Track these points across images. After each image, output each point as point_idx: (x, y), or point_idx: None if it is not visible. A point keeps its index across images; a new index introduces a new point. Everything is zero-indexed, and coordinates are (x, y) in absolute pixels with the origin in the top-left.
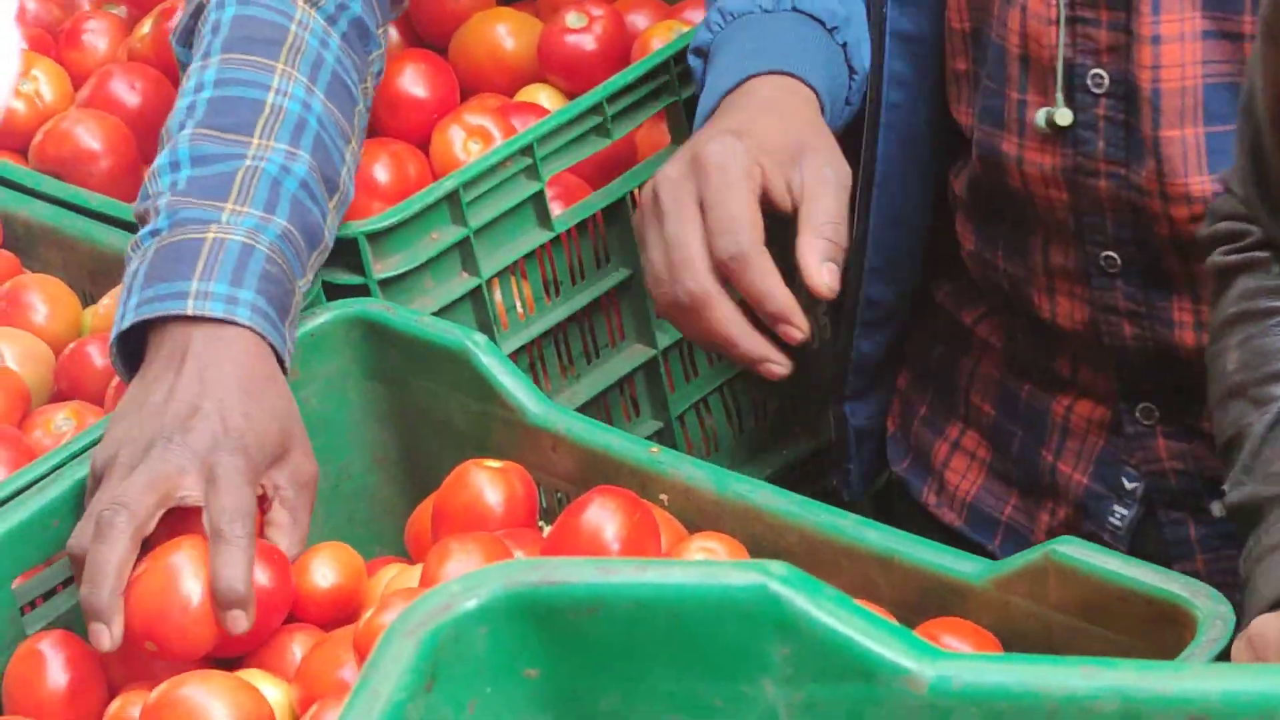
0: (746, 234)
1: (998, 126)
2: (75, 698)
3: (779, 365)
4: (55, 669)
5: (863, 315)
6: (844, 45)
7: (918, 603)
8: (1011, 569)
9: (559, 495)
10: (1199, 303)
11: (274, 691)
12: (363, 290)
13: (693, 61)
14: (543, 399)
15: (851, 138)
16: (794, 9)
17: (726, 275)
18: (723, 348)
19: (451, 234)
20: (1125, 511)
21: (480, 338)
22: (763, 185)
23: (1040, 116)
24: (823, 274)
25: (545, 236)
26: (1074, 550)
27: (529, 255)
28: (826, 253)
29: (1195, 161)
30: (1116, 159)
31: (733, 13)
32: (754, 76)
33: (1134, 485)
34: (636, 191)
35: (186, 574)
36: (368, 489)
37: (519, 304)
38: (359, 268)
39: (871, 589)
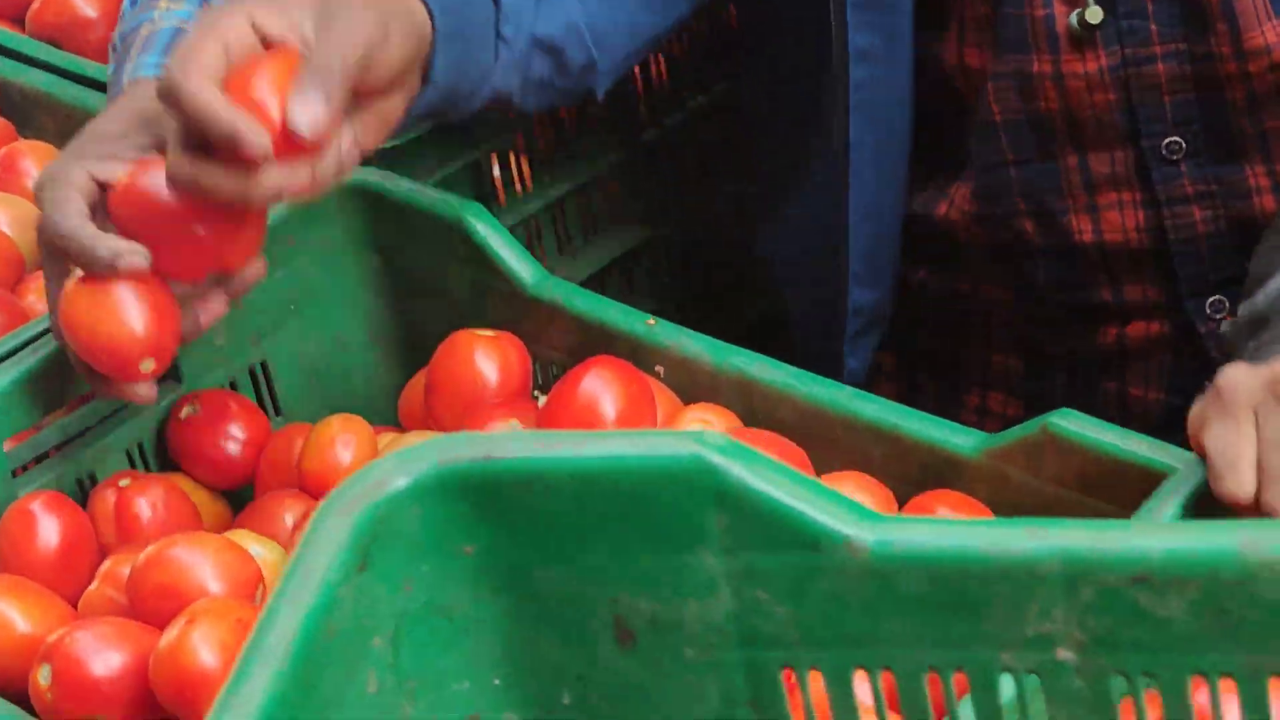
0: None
1: (1024, 50)
2: (67, 558)
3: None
4: (47, 530)
5: (850, 328)
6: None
7: (914, 476)
8: (1008, 441)
9: (555, 367)
10: (1274, 161)
11: (262, 550)
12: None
13: None
14: (539, 270)
15: (815, 134)
16: None
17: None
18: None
19: None
20: None
21: (477, 207)
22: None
23: (1073, 19)
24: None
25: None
26: (1071, 422)
27: (528, 129)
28: (314, 86)
29: (1264, 9)
30: (1173, 36)
31: None
32: None
33: None
34: None
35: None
36: (363, 359)
37: (517, 178)
38: None
39: (867, 462)
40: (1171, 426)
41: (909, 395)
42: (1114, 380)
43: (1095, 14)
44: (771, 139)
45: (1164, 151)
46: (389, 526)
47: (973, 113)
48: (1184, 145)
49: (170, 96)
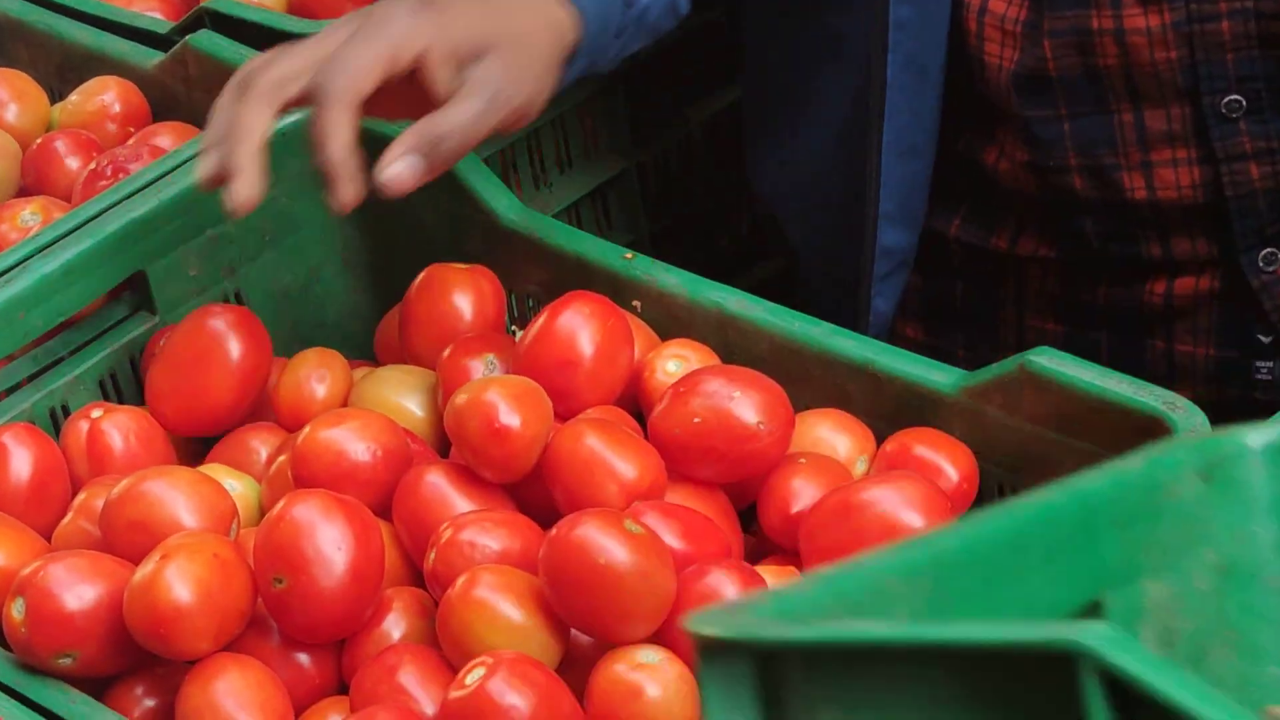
0: (344, 79)
1: (1084, 6)
2: (39, 490)
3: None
4: (20, 462)
5: (877, 269)
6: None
7: (891, 413)
8: (986, 379)
9: (531, 300)
10: None
11: (236, 484)
12: None
13: None
14: (515, 202)
15: (847, 73)
16: None
17: (305, 102)
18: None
19: None
20: (1269, 364)
21: None
22: (420, 63)
23: None
24: (394, 162)
25: None
26: (1049, 360)
27: None
28: (419, 146)
29: None
30: None
31: None
32: None
33: (1269, 339)
34: None
35: None
36: (338, 291)
37: None
38: None
39: (844, 398)
40: (1221, 379)
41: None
42: (1161, 338)
43: None
44: (775, 76)
45: (1223, 109)
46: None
47: (1014, 68)
48: (1244, 103)
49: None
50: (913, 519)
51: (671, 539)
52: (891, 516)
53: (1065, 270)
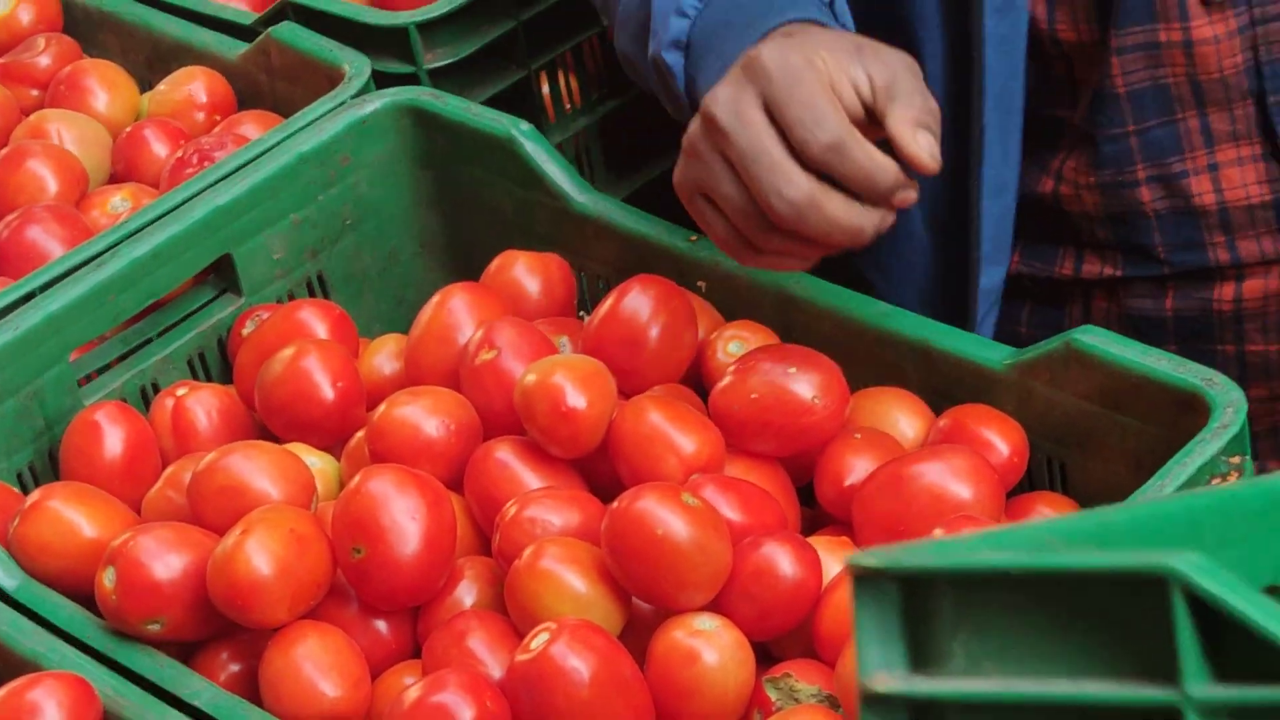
0: (834, 117)
1: (1151, 21)
2: (130, 466)
3: (910, 192)
4: (112, 439)
5: (979, 310)
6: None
7: (945, 389)
8: (1033, 356)
9: (601, 281)
10: None
11: (317, 461)
12: (413, 79)
13: (670, 57)
14: (585, 186)
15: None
16: None
17: (823, 168)
18: (851, 240)
19: (500, 25)
20: None
21: (526, 126)
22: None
23: None
24: (920, 143)
25: (594, 29)
26: (1094, 338)
27: (576, 48)
28: (919, 121)
29: None
30: None
31: None
32: (773, 30)
33: None
34: None
35: None
36: (416, 272)
37: (566, 96)
38: (410, 57)
39: (900, 377)
40: None
41: None
42: (1231, 342)
43: None
44: None
45: None
46: None
47: (1080, 85)
48: None
49: (836, 153)
50: (961, 490)
51: (729, 511)
52: (940, 488)
53: (1131, 288)
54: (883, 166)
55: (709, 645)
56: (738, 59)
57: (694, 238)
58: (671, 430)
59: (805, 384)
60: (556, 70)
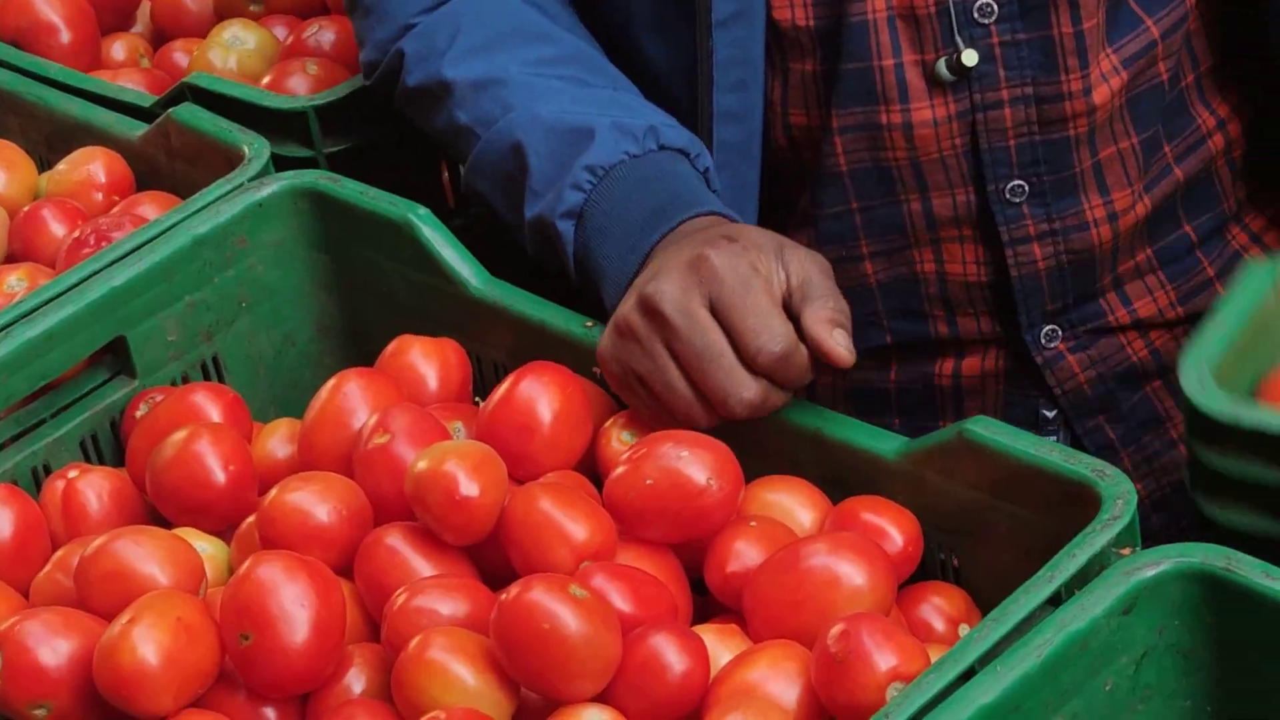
0: (783, 330)
1: (871, 103)
2: (19, 548)
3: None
4: (1, 521)
5: None
6: (705, 171)
7: (839, 477)
8: (927, 446)
9: (497, 367)
10: (1108, 192)
11: (207, 546)
12: (312, 163)
13: (562, 226)
14: (482, 272)
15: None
16: (660, 146)
17: (768, 374)
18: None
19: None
20: (1054, 437)
21: (423, 210)
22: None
23: (941, 66)
24: (837, 340)
25: None
26: (985, 429)
27: None
28: (835, 322)
29: (1102, 39)
30: (1022, 79)
31: (602, 166)
32: (684, 221)
33: (1053, 413)
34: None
35: None
36: (312, 356)
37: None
38: (309, 141)
39: (795, 466)
40: None
41: None
42: (951, 416)
43: (971, 56)
44: None
45: (1007, 195)
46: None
47: (810, 166)
48: (1027, 188)
49: (784, 362)
50: (854, 577)
51: (619, 600)
52: (832, 574)
53: (859, 357)
54: (810, 370)
55: None
56: (674, 254)
57: (590, 324)
58: (562, 518)
59: (698, 467)
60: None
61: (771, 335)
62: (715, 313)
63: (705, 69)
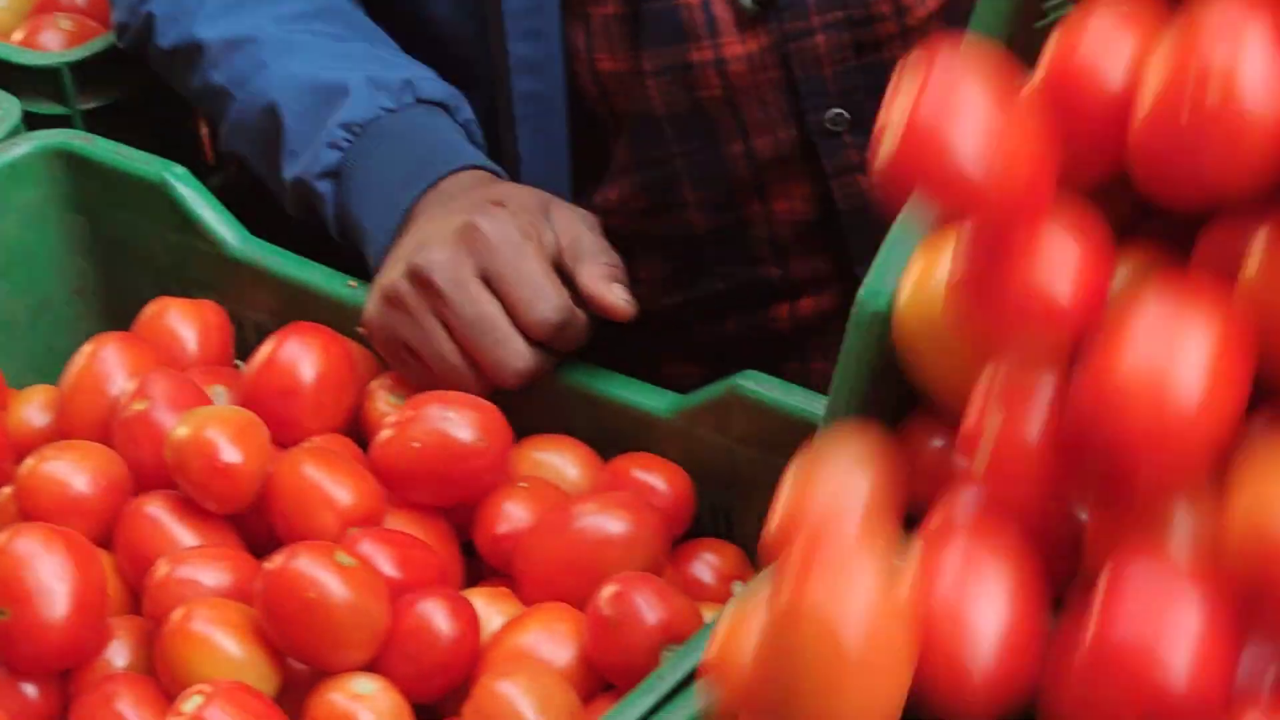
0: (557, 297)
1: (680, 41)
2: None
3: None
4: None
5: None
6: (465, 124)
7: (613, 437)
8: (698, 402)
9: (259, 329)
10: None
11: None
12: (66, 122)
13: (321, 186)
14: (242, 231)
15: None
16: (417, 100)
17: (543, 340)
18: None
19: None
20: None
21: (179, 169)
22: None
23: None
24: (615, 294)
25: None
26: (755, 383)
27: None
28: (611, 276)
29: None
30: (831, 5)
31: (358, 123)
32: (444, 177)
33: None
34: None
35: None
36: (68, 320)
37: None
38: (62, 98)
39: (569, 424)
40: None
41: None
42: (796, 359)
43: None
44: None
45: (828, 125)
46: None
47: (625, 113)
48: (848, 116)
49: (559, 329)
50: (625, 536)
51: (386, 567)
52: (600, 532)
53: (692, 309)
54: (586, 332)
55: (367, 710)
56: (441, 220)
57: (354, 283)
58: (327, 483)
59: (466, 428)
60: None
61: (547, 304)
62: (488, 282)
63: (495, 20)
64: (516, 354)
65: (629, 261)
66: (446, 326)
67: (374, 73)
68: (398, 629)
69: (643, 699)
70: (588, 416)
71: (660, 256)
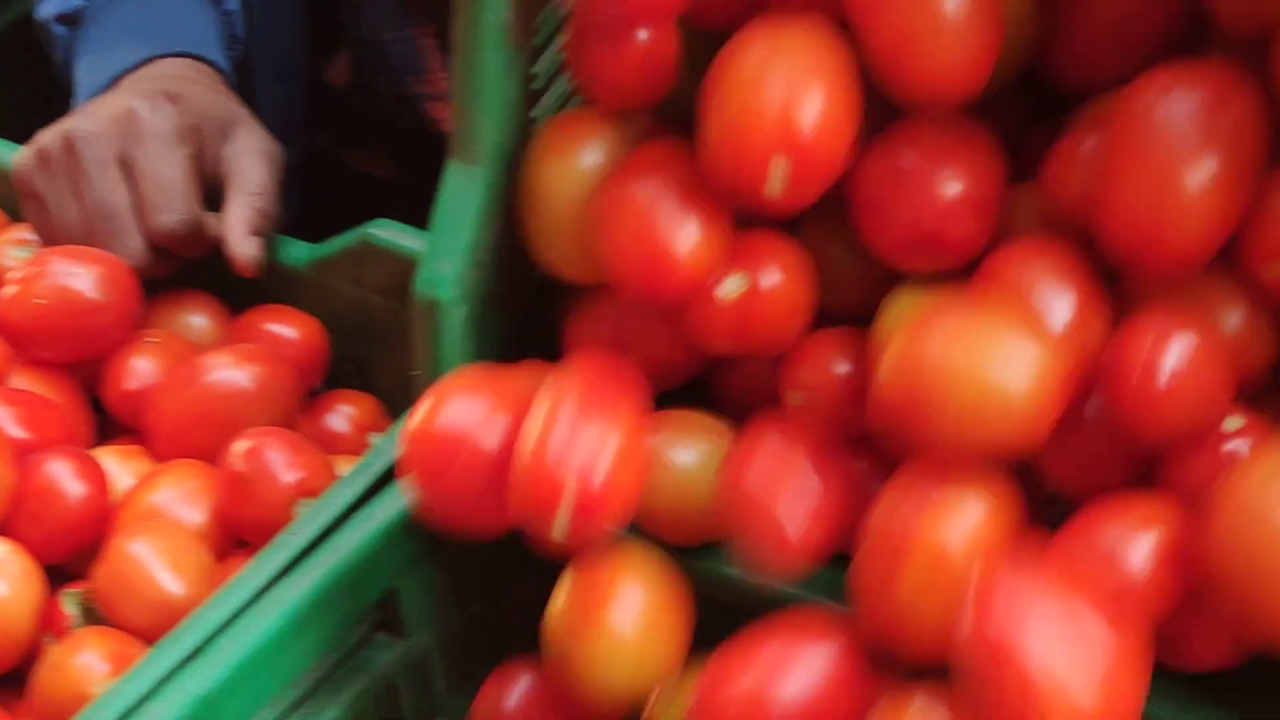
0: (186, 204)
1: None
2: None
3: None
4: None
5: None
6: (228, 13)
7: (251, 290)
8: (333, 253)
9: None
10: None
11: None
12: None
13: (57, 29)
14: None
15: None
16: None
17: (164, 244)
18: None
19: None
20: None
21: None
22: (196, 151)
23: None
24: (245, 250)
25: None
26: (387, 232)
27: None
28: (253, 225)
29: None
30: None
31: None
32: (157, 58)
33: None
34: None
35: None
36: None
37: None
38: None
39: (203, 280)
40: None
41: None
42: None
43: None
44: None
45: None
46: None
47: None
48: None
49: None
50: (257, 389)
51: (11, 426)
52: (234, 386)
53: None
54: (205, 247)
55: None
56: (117, 96)
57: None
58: None
59: (91, 283)
60: None
61: (173, 213)
62: (125, 170)
63: None
64: (128, 251)
65: (356, 135)
66: (78, 199)
67: None
68: (25, 490)
69: (276, 555)
70: (221, 270)
71: (376, 137)
